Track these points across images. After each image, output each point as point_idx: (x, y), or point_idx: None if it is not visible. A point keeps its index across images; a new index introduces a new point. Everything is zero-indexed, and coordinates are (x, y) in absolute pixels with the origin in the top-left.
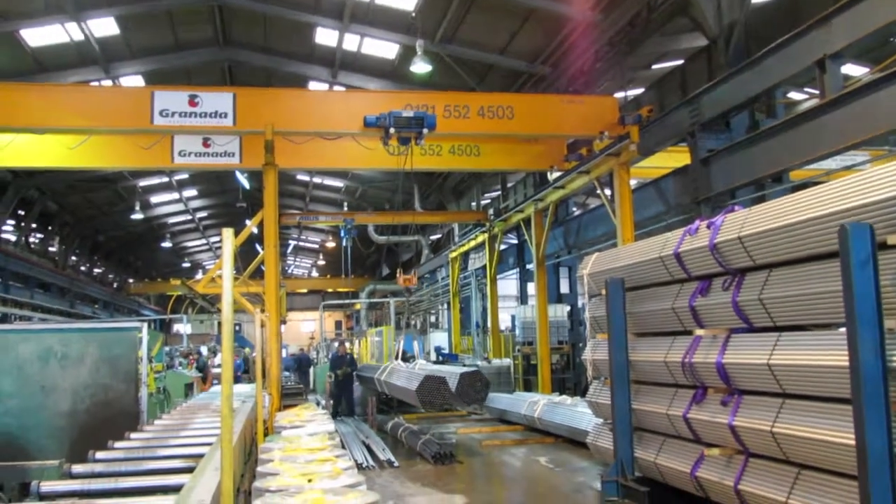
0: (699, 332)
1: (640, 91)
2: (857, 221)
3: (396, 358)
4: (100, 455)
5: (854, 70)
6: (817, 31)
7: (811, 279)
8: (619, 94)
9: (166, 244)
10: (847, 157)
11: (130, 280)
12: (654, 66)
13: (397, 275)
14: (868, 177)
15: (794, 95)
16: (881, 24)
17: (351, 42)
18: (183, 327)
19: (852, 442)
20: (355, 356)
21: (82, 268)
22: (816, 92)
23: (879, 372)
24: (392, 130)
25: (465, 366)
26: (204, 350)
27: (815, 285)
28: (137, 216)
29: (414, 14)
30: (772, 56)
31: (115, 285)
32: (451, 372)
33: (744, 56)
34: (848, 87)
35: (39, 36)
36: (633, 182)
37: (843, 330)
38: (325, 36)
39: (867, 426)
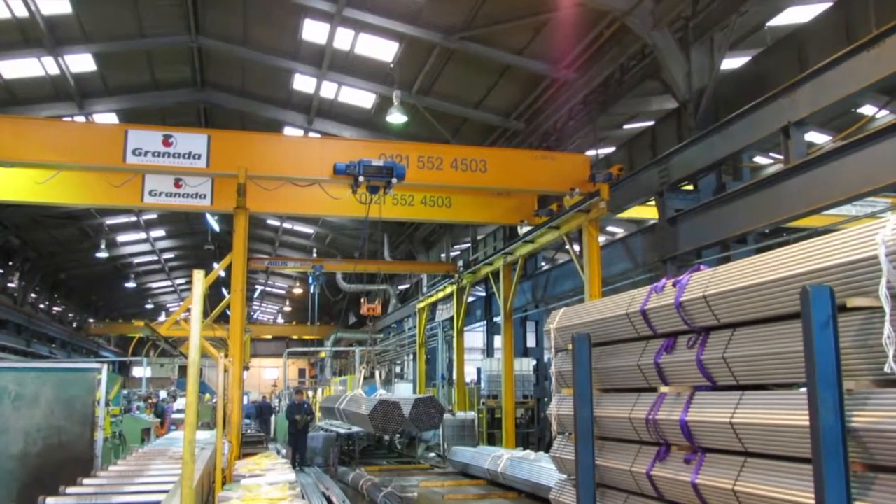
0: (664, 389)
1: (611, 150)
2: (819, 284)
3: (357, 388)
4: (50, 501)
5: (817, 137)
6: (783, 99)
7: (773, 339)
8: (591, 152)
9: (130, 284)
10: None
11: (91, 320)
12: (626, 126)
13: (362, 303)
14: (829, 241)
15: (759, 159)
16: (843, 94)
17: (328, 90)
18: (143, 370)
19: (812, 501)
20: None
21: (41, 305)
22: (781, 157)
23: (839, 432)
24: (361, 178)
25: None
26: (163, 394)
27: (777, 345)
28: (102, 255)
29: (392, 65)
30: (739, 121)
31: (74, 325)
32: (406, 398)
33: (712, 120)
34: (811, 154)
35: (14, 68)
36: (602, 238)
37: (803, 390)
38: (303, 82)
39: (826, 486)
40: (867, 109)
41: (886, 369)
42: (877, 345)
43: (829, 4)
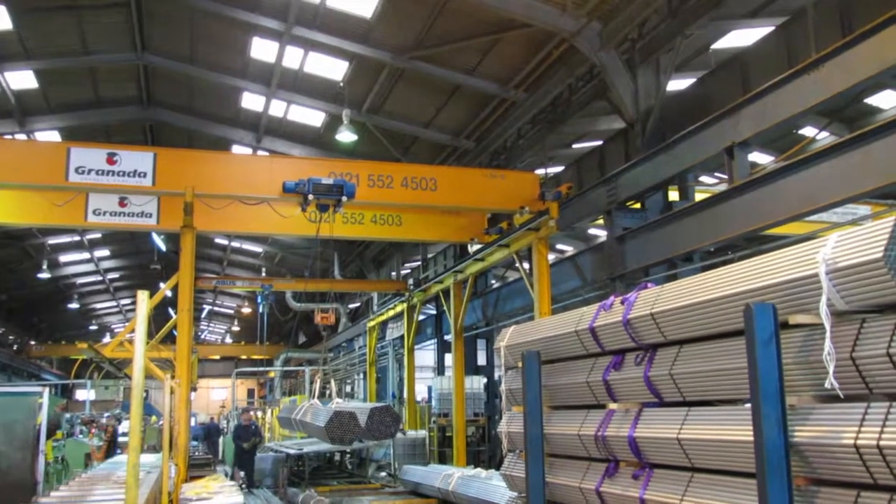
0: (612, 405)
1: (560, 169)
2: (762, 301)
3: (313, 397)
4: None
5: (760, 158)
6: (727, 120)
7: (718, 356)
8: (540, 171)
9: (73, 305)
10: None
11: (32, 342)
12: (575, 146)
13: (315, 313)
14: (772, 259)
15: (705, 179)
16: (785, 116)
17: (277, 108)
18: (86, 393)
19: None
20: (262, 426)
21: None
22: (725, 177)
23: (782, 447)
24: (311, 197)
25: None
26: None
27: (722, 362)
28: (44, 275)
29: (342, 84)
30: (684, 141)
31: (14, 347)
32: (361, 407)
33: (659, 140)
34: (754, 174)
35: None
36: (551, 256)
37: (748, 406)
38: (252, 101)
39: (770, 500)
40: (808, 131)
41: (827, 385)
42: (818, 361)
43: (771, 28)
